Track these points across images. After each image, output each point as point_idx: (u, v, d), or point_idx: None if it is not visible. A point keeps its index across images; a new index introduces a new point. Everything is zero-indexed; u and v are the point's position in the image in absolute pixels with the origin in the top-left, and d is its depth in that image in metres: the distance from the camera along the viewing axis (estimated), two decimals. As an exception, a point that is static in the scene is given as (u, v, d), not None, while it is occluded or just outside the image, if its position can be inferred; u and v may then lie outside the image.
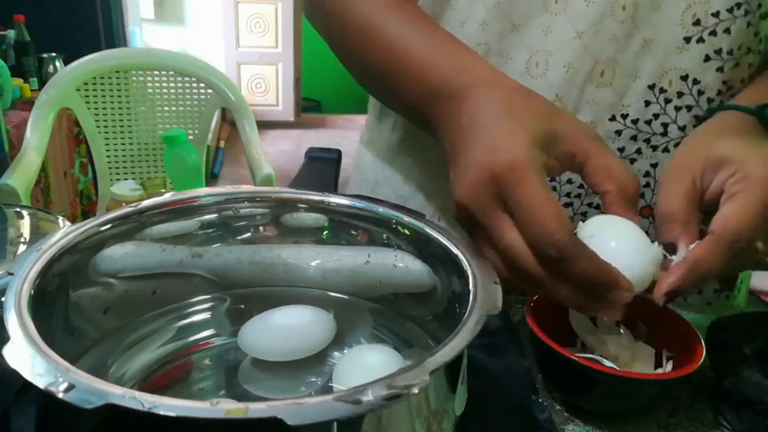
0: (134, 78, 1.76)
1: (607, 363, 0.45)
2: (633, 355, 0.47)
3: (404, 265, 0.45)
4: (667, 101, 0.57)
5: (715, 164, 0.45)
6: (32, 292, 0.33)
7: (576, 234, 0.40)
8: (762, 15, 0.56)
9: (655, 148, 0.59)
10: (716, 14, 0.55)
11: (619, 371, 0.43)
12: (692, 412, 0.46)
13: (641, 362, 0.46)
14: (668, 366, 0.45)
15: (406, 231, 0.44)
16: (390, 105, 0.62)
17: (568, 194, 0.60)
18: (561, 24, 0.56)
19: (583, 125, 0.45)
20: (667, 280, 0.41)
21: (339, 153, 0.54)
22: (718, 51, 0.56)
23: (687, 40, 0.55)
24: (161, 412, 0.24)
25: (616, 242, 0.40)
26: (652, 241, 0.42)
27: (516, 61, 0.59)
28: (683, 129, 0.58)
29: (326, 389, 0.40)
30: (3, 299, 0.32)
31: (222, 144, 4.04)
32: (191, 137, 1.78)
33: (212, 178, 3.68)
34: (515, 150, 0.40)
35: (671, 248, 0.43)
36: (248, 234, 0.48)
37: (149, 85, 1.78)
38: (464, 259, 0.39)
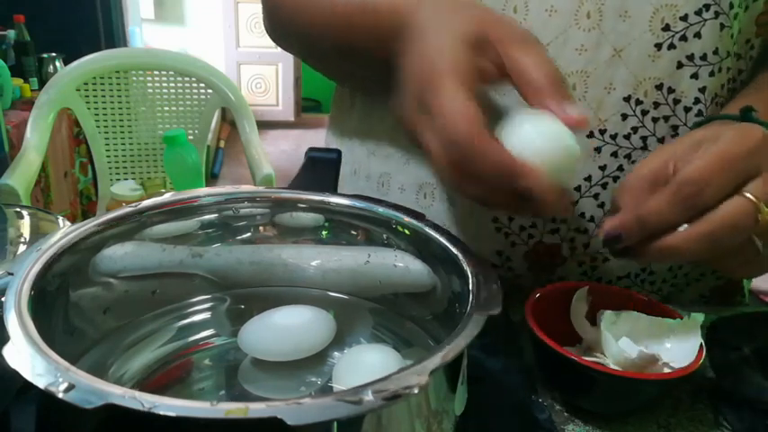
0: (134, 78, 1.77)
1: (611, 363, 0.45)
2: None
3: (404, 265, 0.45)
4: (644, 112, 0.55)
5: (693, 146, 0.43)
6: (32, 292, 0.33)
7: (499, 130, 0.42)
8: (734, 16, 0.54)
9: (635, 163, 0.56)
10: (684, 18, 0.52)
11: (618, 371, 0.43)
12: (692, 412, 0.46)
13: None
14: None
15: (406, 231, 0.44)
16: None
17: (553, 219, 0.58)
18: None
19: (516, 29, 0.44)
20: (609, 220, 0.42)
21: (339, 153, 0.54)
22: (690, 57, 0.53)
23: (658, 46, 0.53)
24: (161, 412, 0.24)
25: (525, 133, 0.40)
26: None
27: None
28: (661, 140, 0.56)
29: (326, 389, 0.40)
30: (3, 299, 0.32)
31: (222, 144, 4.04)
32: (191, 137, 1.79)
33: (212, 178, 3.68)
34: (437, 60, 0.41)
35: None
36: (248, 234, 0.48)
37: (149, 85, 1.79)
38: (464, 259, 0.39)
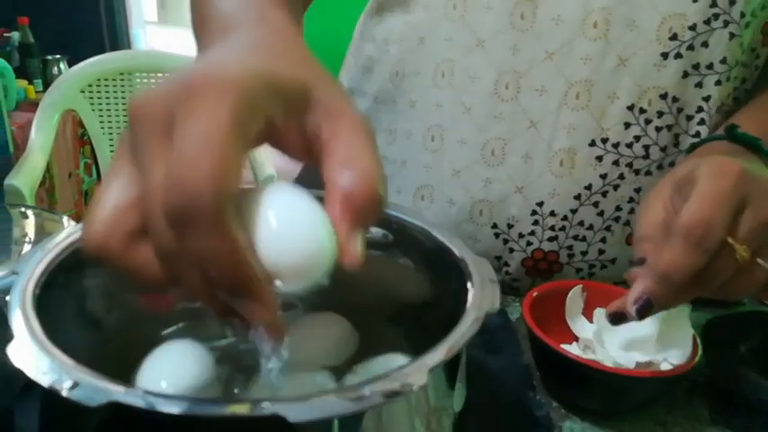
0: (138, 80, 1.77)
1: (607, 361, 0.45)
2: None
3: (404, 265, 0.46)
4: (648, 121, 0.55)
5: (678, 186, 0.43)
6: (37, 291, 0.33)
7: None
8: (746, 25, 0.53)
9: (637, 172, 0.57)
10: (693, 27, 0.52)
11: (615, 368, 0.44)
12: (689, 409, 0.46)
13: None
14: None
15: (405, 229, 0.45)
16: None
17: (552, 227, 0.58)
18: (530, 43, 0.54)
19: (355, 111, 0.31)
20: (633, 289, 0.40)
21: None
22: (696, 66, 0.53)
23: (664, 56, 0.53)
24: (165, 410, 0.24)
25: (270, 219, 0.29)
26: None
27: (484, 81, 0.57)
28: (664, 149, 0.56)
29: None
30: (7, 297, 0.32)
31: (225, 145, 4.04)
32: (194, 138, 1.79)
33: (215, 179, 3.68)
34: (232, 70, 0.28)
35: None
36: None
37: (153, 87, 1.79)
38: (464, 259, 0.39)
